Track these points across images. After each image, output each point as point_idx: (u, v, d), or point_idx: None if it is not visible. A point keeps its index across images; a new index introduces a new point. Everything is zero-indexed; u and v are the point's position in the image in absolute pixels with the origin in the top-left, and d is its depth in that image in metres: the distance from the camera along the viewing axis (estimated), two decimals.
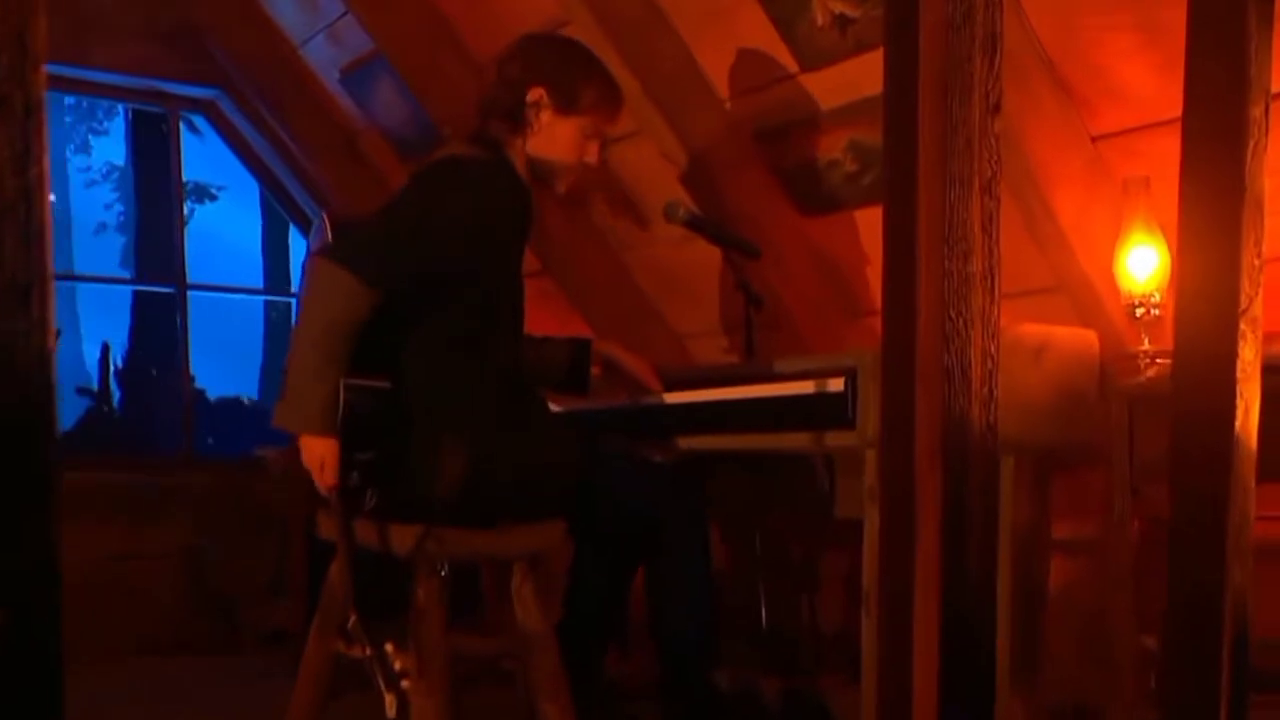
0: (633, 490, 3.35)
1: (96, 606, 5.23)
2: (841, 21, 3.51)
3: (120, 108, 12.55)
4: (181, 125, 6.74)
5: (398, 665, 2.83)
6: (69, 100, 18.02)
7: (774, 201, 4.22)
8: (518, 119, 3.25)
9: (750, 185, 4.21)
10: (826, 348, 4.28)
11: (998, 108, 1.70)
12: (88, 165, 20.23)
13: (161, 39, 5.94)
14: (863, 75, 3.61)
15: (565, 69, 3.26)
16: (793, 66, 3.81)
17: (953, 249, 1.66)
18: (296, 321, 3.05)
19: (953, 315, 1.67)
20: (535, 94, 3.22)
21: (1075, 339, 3.30)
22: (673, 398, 3.62)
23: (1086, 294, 3.42)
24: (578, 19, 4.09)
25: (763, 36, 3.80)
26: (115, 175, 19.26)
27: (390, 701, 2.80)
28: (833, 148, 3.88)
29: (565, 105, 3.23)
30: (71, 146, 20.10)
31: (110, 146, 19.15)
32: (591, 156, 3.28)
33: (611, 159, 4.51)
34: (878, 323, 4.18)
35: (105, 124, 19.37)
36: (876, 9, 3.40)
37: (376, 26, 5.09)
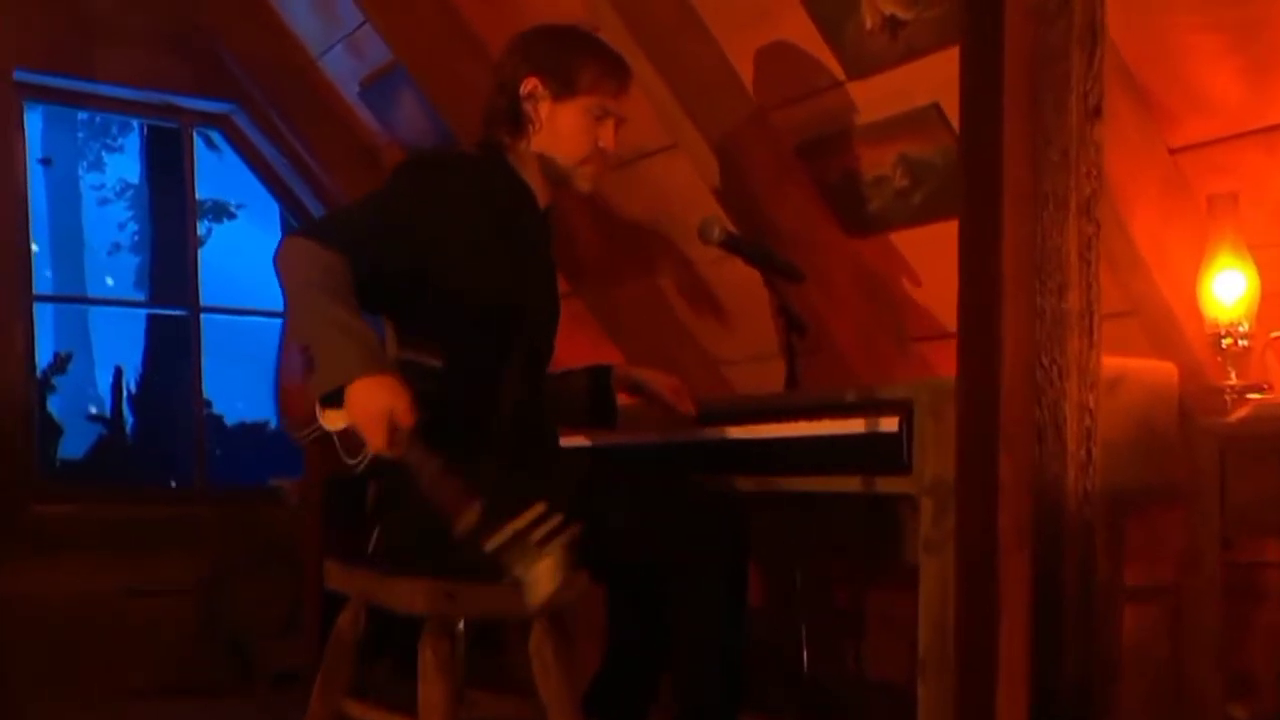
0: (650, 526, 2.95)
1: (101, 645, 5.06)
2: (892, 24, 3.23)
3: (135, 124, 12.34)
4: (198, 141, 6.55)
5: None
6: (82, 116, 17.77)
7: (817, 220, 3.94)
8: (518, 119, 3.01)
9: (792, 202, 3.93)
10: (874, 376, 4.03)
11: (1098, 112, 1.41)
12: (101, 183, 19.94)
13: (173, 50, 5.76)
14: (914, 83, 3.35)
15: (556, 52, 3.01)
16: (839, 74, 3.53)
17: (1045, 282, 1.37)
18: (286, 306, 2.79)
19: (1045, 362, 1.38)
20: (529, 85, 2.99)
21: (1153, 372, 3.02)
22: (707, 433, 3.34)
23: (1164, 321, 3.13)
24: (606, 24, 3.81)
25: (806, 41, 3.52)
26: (130, 193, 19.01)
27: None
28: (881, 162, 3.60)
29: (562, 90, 2.98)
30: (84, 164, 19.82)
31: (125, 164, 18.88)
32: (606, 140, 3.00)
33: (641, 175, 4.27)
34: (929, 350, 4.01)
35: (120, 140, 19.06)
36: (930, 9, 3.12)
37: (395, 36, 4.85)
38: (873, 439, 2.90)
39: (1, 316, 5.26)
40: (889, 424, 2.86)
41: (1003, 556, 1.38)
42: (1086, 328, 1.40)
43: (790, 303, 3.60)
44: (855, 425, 2.95)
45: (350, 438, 2.67)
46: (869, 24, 3.29)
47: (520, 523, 2.38)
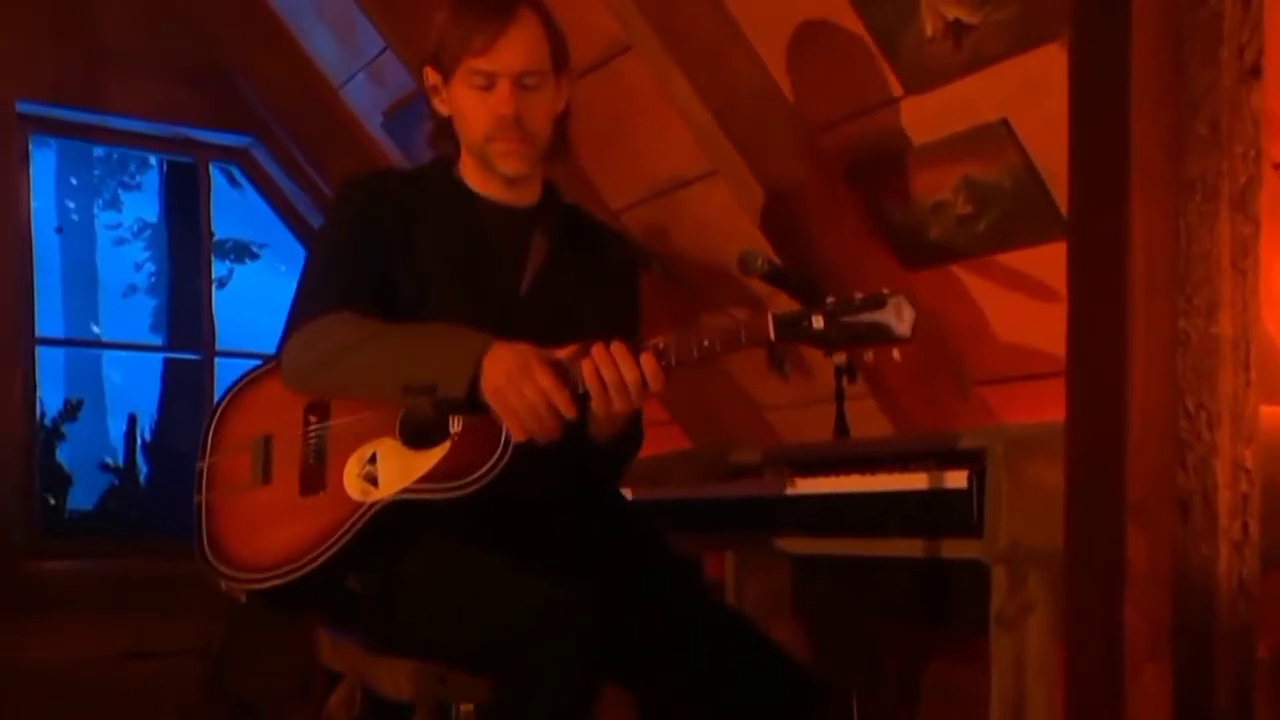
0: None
1: (100, 711, 4.73)
2: (956, 30, 2.88)
3: (154, 160, 12.12)
4: (220, 178, 6.32)
5: None
6: (98, 152, 17.55)
7: (870, 251, 3.60)
8: (441, 124, 2.66)
9: (841, 232, 3.60)
10: (932, 423, 3.70)
11: (1257, 71, 1.05)
12: (118, 222, 19.70)
13: (188, 82, 5.54)
14: (980, 96, 3.01)
15: (435, 26, 2.59)
16: (895, 88, 3.20)
17: (1190, 299, 1.01)
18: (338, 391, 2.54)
19: (1190, 407, 1.01)
20: (428, 77, 2.62)
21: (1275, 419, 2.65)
22: (744, 489, 3.01)
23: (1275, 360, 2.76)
24: (641, 40, 3.53)
25: (858, 53, 3.19)
26: (147, 233, 18.75)
27: None
28: (941, 186, 3.25)
29: (443, 67, 2.56)
30: (100, 202, 19.59)
31: (142, 202, 18.63)
32: (502, 105, 2.50)
33: (678, 204, 3.97)
34: (994, 395, 3.62)
35: (137, 177, 18.83)
36: (1001, 10, 2.78)
37: (418, 62, 4.52)
38: (937, 496, 2.58)
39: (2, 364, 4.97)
40: (956, 479, 2.53)
41: (1130, 669, 1.02)
42: (1242, 360, 1.03)
43: None
44: (916, 480, 2.63)
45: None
46: (930, 31, 2.94)
47: None
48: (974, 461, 2.51)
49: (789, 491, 2.94)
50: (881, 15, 3.04)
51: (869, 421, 3.73)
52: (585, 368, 2.29)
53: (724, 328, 2.30)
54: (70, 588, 4.97)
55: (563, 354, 2.33)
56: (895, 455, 2.81)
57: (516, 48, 2.51)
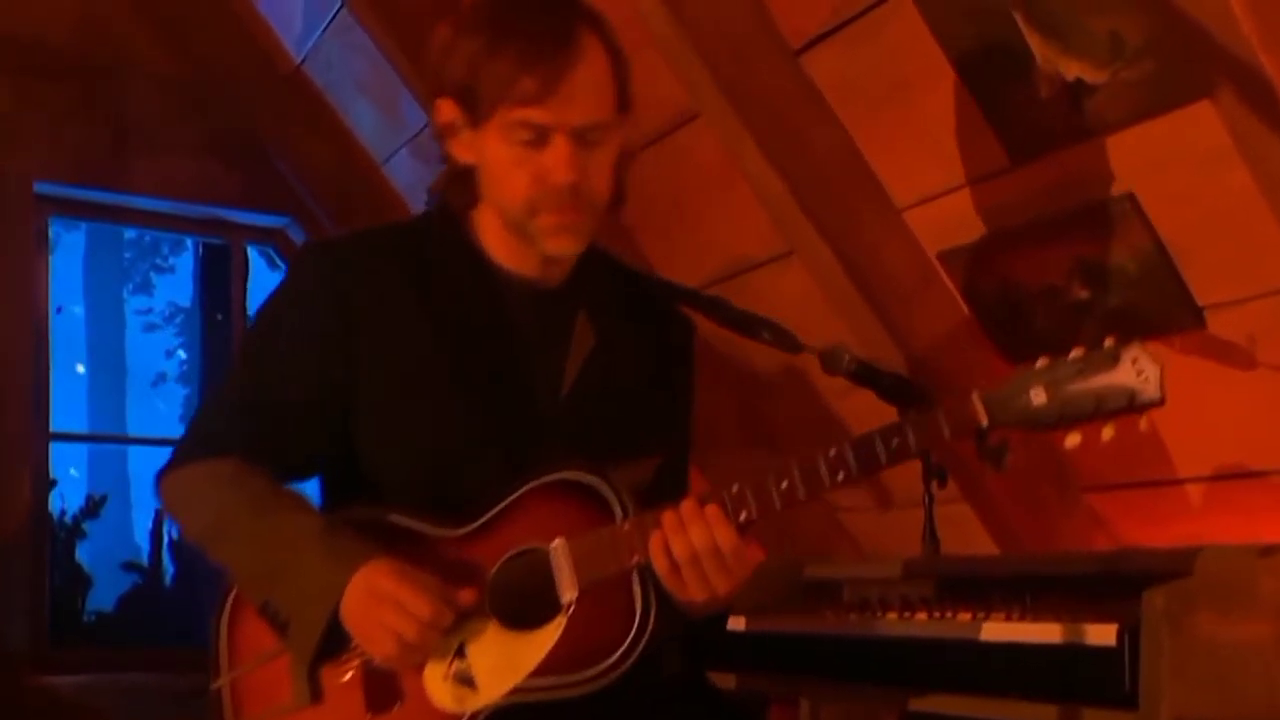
0: None
1: None
2: (1076, 92, 2.53)
3: (189, 242, 11.84)
4: (259, 259, 6.03)
5: None
6: (129, 234, 17.31)
7: (967, 342, 3.25)
8: (458, 174, 2.08)
9: (933, 321, 3.26)
10: (1031, 532, 3.35)
11: None
12: (148, 307, 19.34)
13: (221, 160, 5.26)
14: (1101, 166, 2.65)
15: (462, 52, 1.98)
16: (999, 159, 2.83)
17: None
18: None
19: None
20: (442, 111, 2.03)
21: None
22: (823, 624, 2.62)
23: None
24: (710, 109, 3.19)
25: (958, 119, 2.84)
26: (179, 318, 18.37)
27: None
28: (1052, 269, 2.88)
29: (472, 107, 1.97)
30: (130, 286, 19.26)
31: (175, 285, 18.32)
32: (559, 170, 1.95)
33: (748, 287, 3.63)
34: (1103, 503, 3.16)
35: (170, 260, 18.53)
36: (1131, 69, 2.41)
37: (428, 91, 4.23)
38: (1076, 653, 2.15)
39: (7, 459, 4.66)
40: (1101, 634, 2.09)
41: None
42: None
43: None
44: (1046, 631, 2.18)
45: None
46: (1045, 92, 2.58)
47: None
48: (1120, 601, 2.09)
49: (880, 631, 2.53)
50: (988, 76, 2.68)
51: (961, 530, 3.37)
52: (654, 546, 1.84)
53: (910, 425, 1.84)
54: (81, 704, 4.62)
55: (623, 527, 1.89)
56: (1009, 584, 2.40)
57: (582, 94, 1.95)
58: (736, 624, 2.91)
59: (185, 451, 2.07)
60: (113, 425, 18.41)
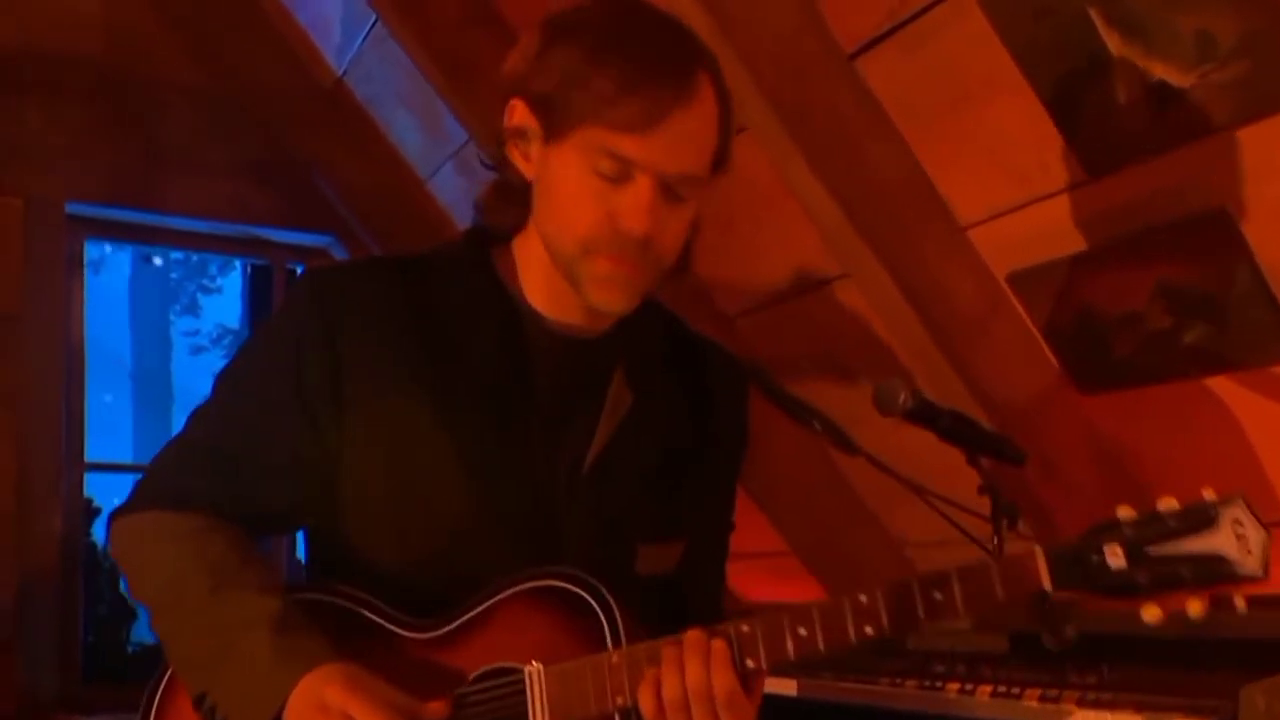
0: None
1: None
2: (1160, 96, 2.26)
3: (237, 262, 11.66)
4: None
5: None
6: (175, 255, 17.15)
7: (1037, 372, 2.98)
8: (512, 186, 1.81)
9: (1002, 350, 2.98)
10: None
11: None
12: (195, 329, 19.07)
13: (261, 180, 5.12)
14: (1188, 177, 2.37)
15: (557, 56, 1.71)
16: (1074, 172, 2.57)
17: None
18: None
19: None
20: (516, 112, 1.75)
21: None
22: (887, 695, 2.37)
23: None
24: (756, 123, 2.91)
25: (1028, 130, 2.58)
26: (228, 340, 18.07)
27: None
28: (1132, 294, 2.61)
29: (551, 118, 1.69)
30: (177, 307, 19.01)
31: (223, 306, 18.08)
32: (632, 215, 1.69)
33: (800, 311, 3.39)
34: None
35: (218, 280, 18.34)
36: (1223, 71, 2.14)
37: (502, 89, 4.03)
38: None
39: (38, 491, 4.47)
40: None
41: None
42: None
43: (997, 483, 2.60)
44: None
45: None
46: (1123, 98, 2.32)
47: None
48: (1210, 675, 1.84)
49: (940, 710, 2.27)
50: (1060, 81, 2.41)
51: None
52: (644, 689, 1.62)
53: (958, 579, 1.56)
54: None
55: (614, 656, 1.65)
56: (1086, 648, 2.13)
57: (684, 140, 1.69)
58: (787, 688, 2.66)
59: (147, 495, 1.83)
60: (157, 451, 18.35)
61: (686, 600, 1.92)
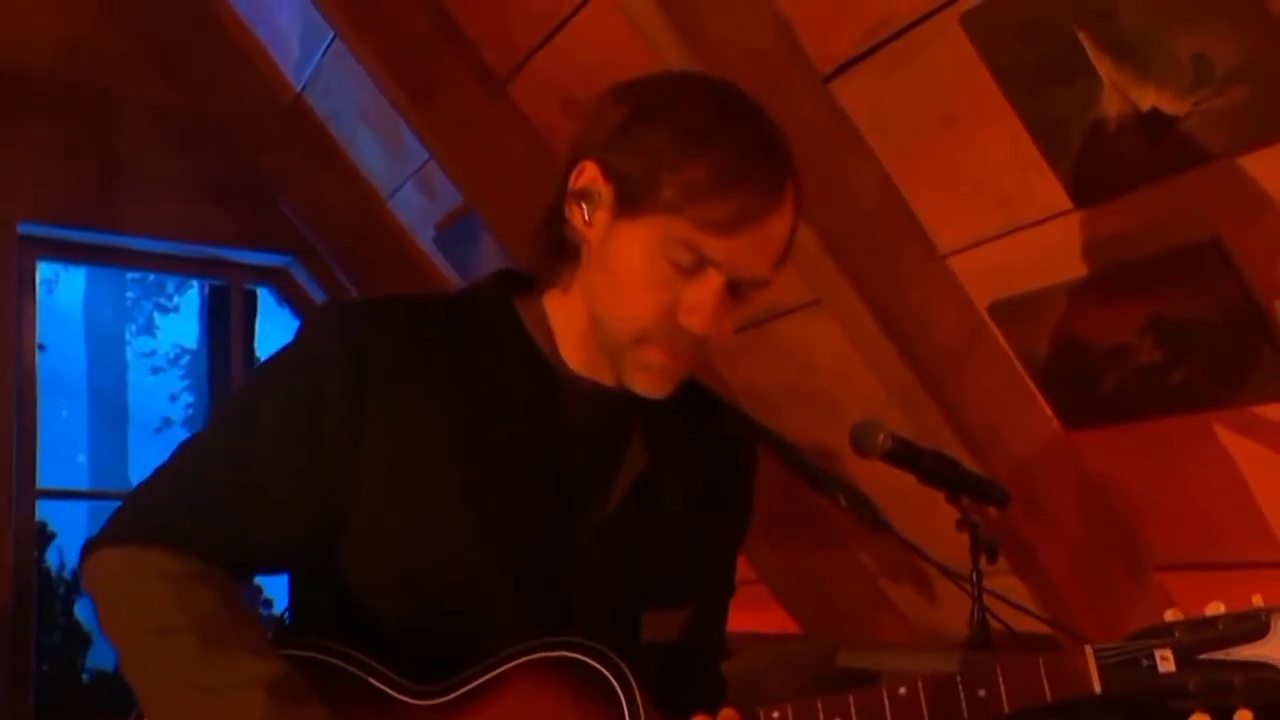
0: None
1: None
2: (1153, 124, 2.16)
3: (195, 280, 11.53)
4: (266, 297, 5.77)
5: None
6: (132, 274, 17.00)
7: (1020, 406, 2.89)
8: (560, 232, 1.70)
9: (982, 381, 2.89)
10: (1094, 614, 2.98)
11: None
12: (152, 349, 18.93)
13: (219, 199, 5.05)
14: (1179, 208, 2.28)
15: (646, 128, 1.61)
16: (1059, 199, 2.47)
17: None
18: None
19: None
20: (585, 174, 1.65)
21: None
22: None
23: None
24: None
25: (1011, 155, 2.48)
26: (185, 360, 17.98)
27: None
28: (1121, 326, 2.52)
29: (632, 196, 1.60)
30: (134, 327, 18.87)
31: (181, 326, 17.99)
32: (698, 309, 1.61)
33: (768, 339, 3.34)
34: (1176, 583, 2.59)
35: (175, 299, 18.21)
36: (1219, 98, 2.04)
37: (463, 172, 3.98)
38: None
39: None
40: None
41: None
42: None
43: (977, 519, 2.58)
44: None
45: None
46: (1113, 125, 2.21)
47: None
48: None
49: None
50: (1046, 106, 2.31)
51: (1015, 611, 2.98)
52: None
53: (1003, 674, 1.52)
54: None
55: None
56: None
57: (765, 246, 1.63)
58: None
59: (133, 526, 1.68)
60: (114, 474, 18.00)
61: (687, 669, 1.83)
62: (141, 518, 1.67)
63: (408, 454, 1.66)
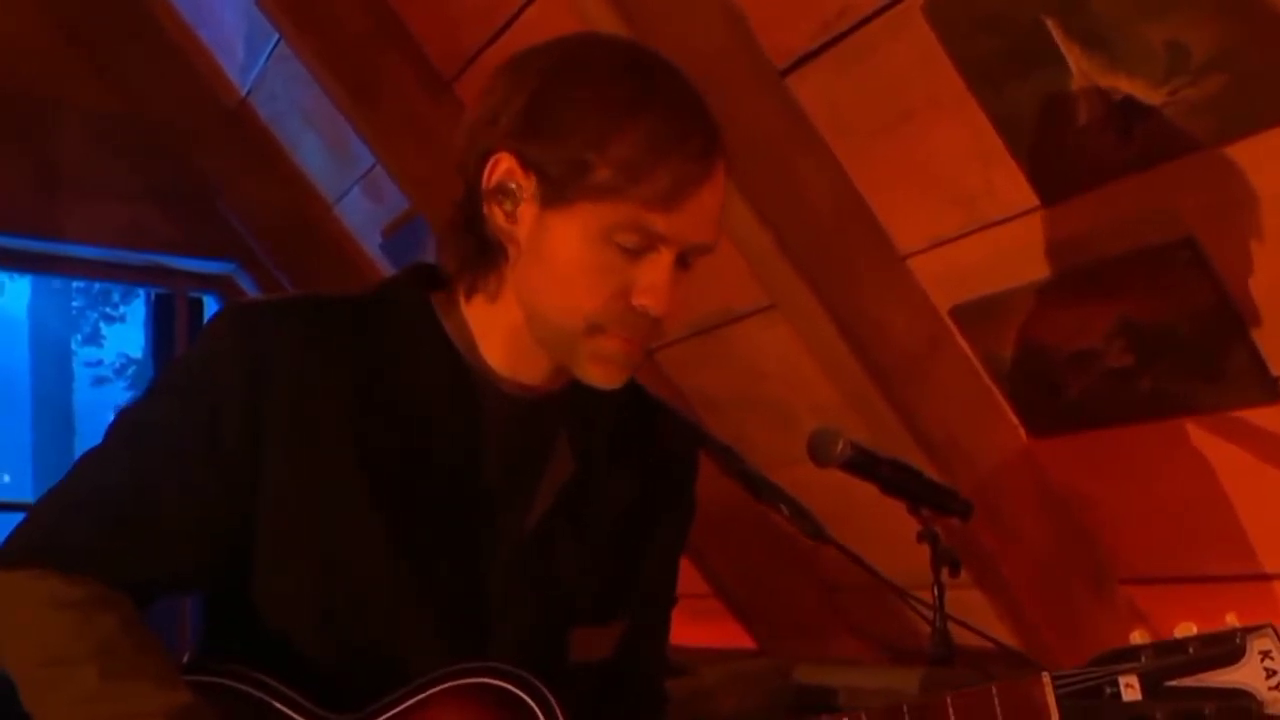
0: None
1: None
2: (1125, 115, 2.07)
3: (141, 289, 11.42)
4: (213, 306, 5.65)
5: None
6: (77, 283, 16.84)
7: (982, 413, 2.80)
8: (478, 230, 1.58)
9: (944, 388, 2.80)
10: (1057, 628, 2.90)
11: None
12: (98, 359, 18.74)
13: (162, 206, 4.94)
14: (1152, 205, 2.19)
15: (557, 105, 1.50)
16: (1026, 197, 2.38)
17: None
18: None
19: None
20: (500, 168, 1.53)
21: None
22: None
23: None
24: None
25: (974, 151, 2.39)
26: (131, 370, 17.81)
27: None
28: (1089, 329, 2.43)
29: (562, 184, 1.49)
30: (79, 337, 18.70)
31: (127, 335, 17.82)
32: (651, 290, 1.52)
33: (720, 345, 3.25)
34: (1144, 596, 2.44)
35: (122, 308, 18.06)
36: (1195, 87, 1.96)
37: (404, 172, 3.91)
38: None
39: None
40: None
41: None
42: None
43: (937, 529, 2.51)
44: None
45: None
46: (1084, 118, 2.13)
47: None
48: None
49: None
50: (1012, 99, 2.22)
51: (973, 619, 2.89)
52: None
53: (953, 702, 1.46)
54: None
55: None
56: None
57: (711, 209, 1.53)
58: None
59: (27, 548, 1.56)
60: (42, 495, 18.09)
61: (624, 686, 1.76)
62: (33, 539, 1.56)
63: (311, 469, 1.56)
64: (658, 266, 1.51)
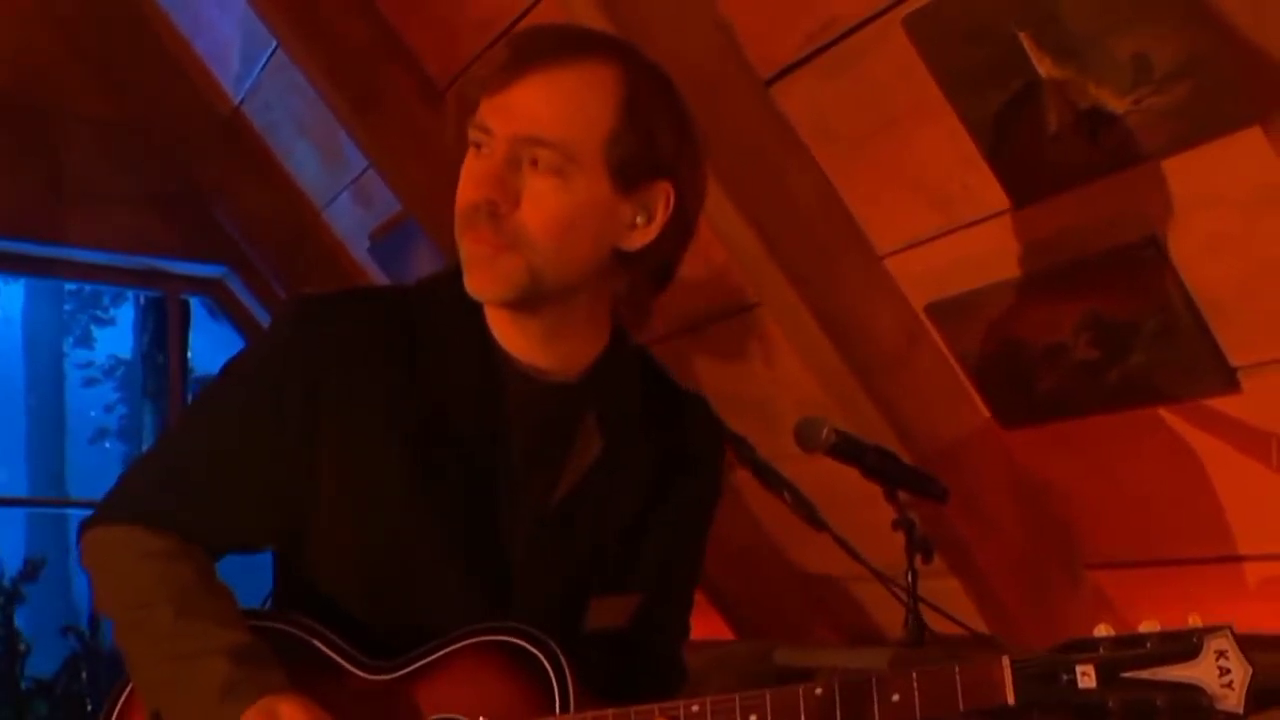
0: None
1: None
2: (1093, 122, 2.19)
3: (130, 292, 11.47)
4: (199, 309, 5.76)
5: None
6: (69, 286, 16.88)
7: (958, 406, 2.92)
8: None
9: (922, 382, 2.91)
10: (1029, 611, 3.00)
11: None
12: (88, 361, 18.83)
13: (157, 211, 5.05)
14: (1119, 206, 2.32)
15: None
16: (998, 199, 2.50)
17: None
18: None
19: None
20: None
21: None
22: None
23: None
24: None
25: (950, 155, 2.51)
26: (120, 371, 17.92)
27: None
28: (1059, 325, 2.55)
29: (465, 100, 1.67)
30: (70, 339, 18.80)
31: (116, 338, 17.88)
32: (469, 177, 1.64)
33: (712, 342, 3.35)
34: (1111, 581, 2.61)
35: (111, 311, 18.12)
36: (1160, 96, 2.08)
37: (400, 179, 4.00)
38: None
39: None
40: None
41: None
42: None
43: (913, 517, 2.65)
44: None
45: None
46: (1054, 123, 2.25)
47: None
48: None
49: None
50: (986, 105, 2.35)
51: (949, 607, 2.98)
52: None
53: (919, 680, 1.50)
54: None
55: None
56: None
57: (535, 100, 1.60)
58: None
59: (119, 508, 1.79)
60: (52, 484, 17.98)
61: (637, 655, 1.86)
62: (125, 500, 1.80)
63: (360, 445, 1.72)
64: (484, 156, 1.62)
